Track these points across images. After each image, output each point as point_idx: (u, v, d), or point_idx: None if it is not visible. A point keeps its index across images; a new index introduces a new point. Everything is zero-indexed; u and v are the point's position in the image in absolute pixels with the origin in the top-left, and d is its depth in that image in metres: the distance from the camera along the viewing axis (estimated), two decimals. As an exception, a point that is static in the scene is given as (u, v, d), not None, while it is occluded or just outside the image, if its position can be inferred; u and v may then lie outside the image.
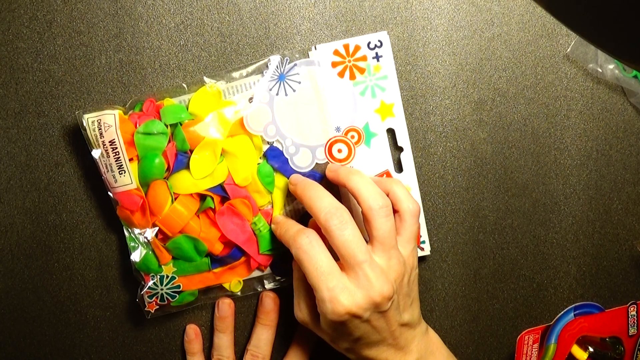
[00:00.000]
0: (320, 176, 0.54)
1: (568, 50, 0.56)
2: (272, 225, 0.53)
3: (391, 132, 0.55)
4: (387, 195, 0.50)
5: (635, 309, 0.57)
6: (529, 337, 0.56)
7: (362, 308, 0.47)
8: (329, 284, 0.47)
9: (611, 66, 0.56)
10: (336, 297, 0.46)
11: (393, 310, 0.48)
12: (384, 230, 0.48)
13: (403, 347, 0.50)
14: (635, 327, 0.58)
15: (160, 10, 0.53)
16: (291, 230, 0.50)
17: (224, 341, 0.56)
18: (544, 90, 0.57)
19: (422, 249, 0.57)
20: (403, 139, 0.55)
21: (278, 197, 0.54)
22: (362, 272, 0.47)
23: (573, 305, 0.57)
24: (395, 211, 0.50)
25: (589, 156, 0.58)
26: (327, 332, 0.49)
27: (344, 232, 0.47)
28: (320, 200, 0.48)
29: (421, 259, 0.58)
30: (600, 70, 0.56)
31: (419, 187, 0.56)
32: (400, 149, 0.55)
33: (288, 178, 0.53)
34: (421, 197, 0.56)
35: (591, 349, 0.56)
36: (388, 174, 0.55)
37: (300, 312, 0.51)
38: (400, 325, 0.50)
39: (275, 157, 0.53)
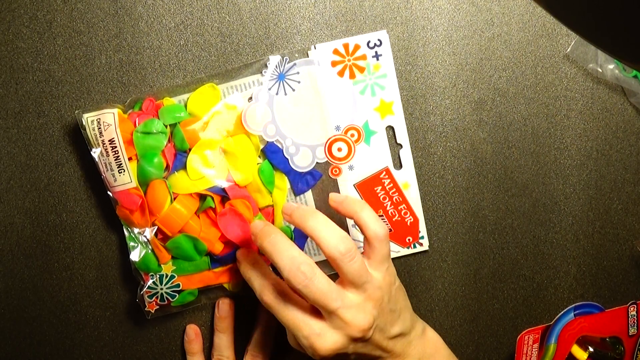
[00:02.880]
0: (320, 175, 0.54)
1: (568, 50, 0.56)
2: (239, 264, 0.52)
3: (391, 130, 0.55)
4: (354, 220, 0.50)
5: (635, 309, 0.57)
6: (529, 337, 0.56)
7: (343, 345, 0.48)
8: (304, 332, 0.48)
9: (611, 66, 0.56)
10: (314, 344, 0.47)
11: (377, 334, 0.49)
12: (351, 272, 0.48)
13: (400, 354, 0.51)
14: (636, 327, 0.58)
15: (160, 10, 0.53)
16: (261, 283, 0.50)
17: (224, 341, 0.56)
18: (544, 90, 0.57)
19: (421, 244, 0.57)
20: (402, 136, 0.55)
21: (279, 197, 0.54)
22: (338, 317, 0.47)
23: (573, 305, 0.57)
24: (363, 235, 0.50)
25: (589, 156, 0.58)
26: None
27: (311, 288, 0.47)
28: (281, 255, 0.47)
29: (421, 259, 0.58)
30: (600, 70, 0.56)
31: (419, 187, 0.56)
32: (400, 146, 0.55)
33: (288, 175, 0.53)
34: (421, 197, 0.56)
35: (591, 349, 0.56)
36: (388, 171, 0.55)
37: (293, 342, 0.51)
38: (391, 339, 0.50)
39: (274, 153, 0.53)
